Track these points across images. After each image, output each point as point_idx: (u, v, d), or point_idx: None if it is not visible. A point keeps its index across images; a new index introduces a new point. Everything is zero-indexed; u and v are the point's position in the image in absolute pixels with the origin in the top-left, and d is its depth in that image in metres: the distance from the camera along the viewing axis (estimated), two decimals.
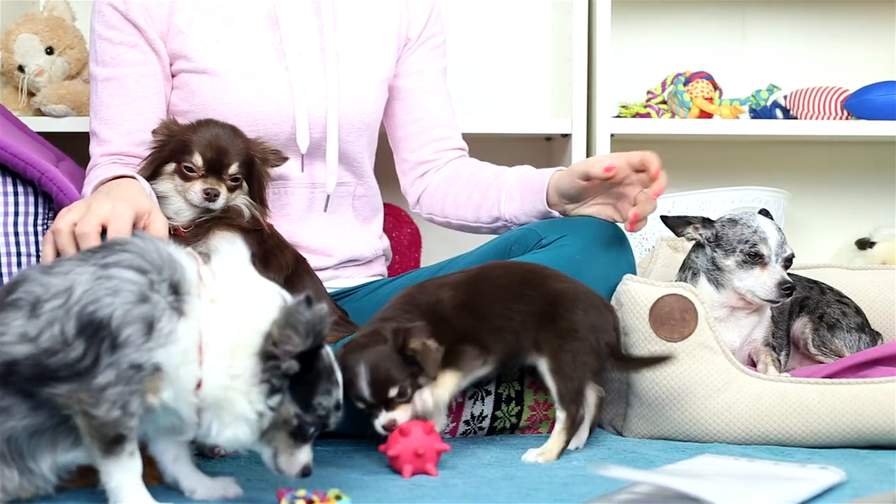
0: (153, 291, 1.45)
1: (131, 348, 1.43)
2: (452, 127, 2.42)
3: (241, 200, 2.09)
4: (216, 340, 1.47)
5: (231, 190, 2.07)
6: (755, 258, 2.13)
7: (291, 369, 1.47)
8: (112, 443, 1.46)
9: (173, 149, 2.07)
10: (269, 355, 1.47)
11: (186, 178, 2.05)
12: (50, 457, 1.50)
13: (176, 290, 1.47)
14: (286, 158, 2.17)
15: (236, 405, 1.47)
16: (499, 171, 2.31)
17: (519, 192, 2.21)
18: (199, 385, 1.47)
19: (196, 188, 2.04)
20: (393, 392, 1.72)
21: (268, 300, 1.50)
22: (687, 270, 2.24)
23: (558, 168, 2.18)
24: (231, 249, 1.55)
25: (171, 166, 2.07)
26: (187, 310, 1.46)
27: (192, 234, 2.04)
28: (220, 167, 2.06)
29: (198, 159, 2.05)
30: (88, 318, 1.43)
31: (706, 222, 2.20)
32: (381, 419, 1.73)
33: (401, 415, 1.73)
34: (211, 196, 2.03)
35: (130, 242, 1.50)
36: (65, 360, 1.43)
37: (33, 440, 1.49)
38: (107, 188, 1.91)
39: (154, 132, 2.11)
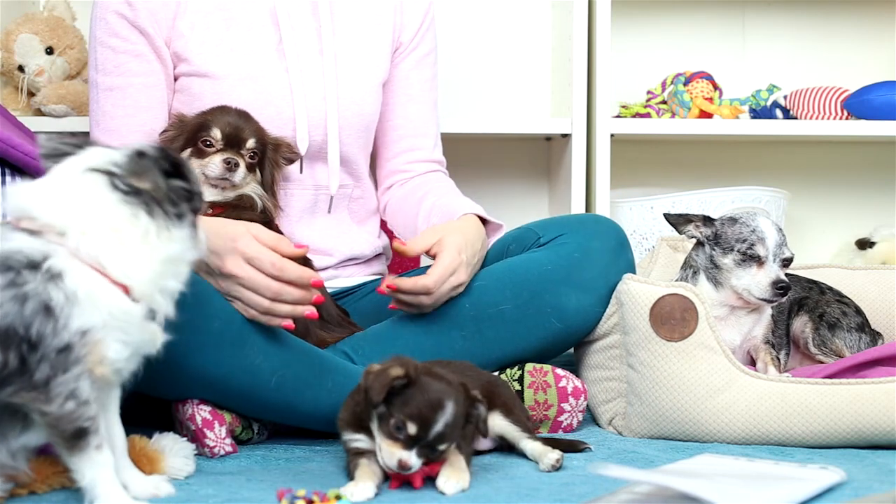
0: (22, 285, 1.44)
1: (48, 338, 1.43)
2: (430, 138, 2.40)
3: (252, 189, 2.09)
4: (105, 256, 1.47)
5: (249, 168, 2.07)
6: (752, 257, 2.13)
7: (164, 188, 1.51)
8: (74, 438, 1.46)
9: (188, 135, 2.07)
10: (151, 199, 1.50)
11: (205, 154, 2.05)
12: (3, 446, 1.50)
13: (35, 266, 1.45)
14: (299, 154, 2.18)
15: (172, 251, 1.52)
16: (423, 196, 2.28)
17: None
18: (129, 294, 1.49)
19: (216, 160, 2.04)
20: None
21: (90, 183, 1.50)
22: (688, 269, 2.24)
23: (468, 213, 2.15)
24: (31, 189, 1.53)
25: (186, 153, 2.06)
26: (58, 268, 1.45)
27: None
28: (238, 141, 2.07)
29: (216, 133, 2.05)
30: None
31: (706, 220, 2.20)
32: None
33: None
34: (231, 165, 2.03)
35: None
36: None
37: None
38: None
39: (165, 130, 2.11)
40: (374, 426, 1.65)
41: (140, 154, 1.51)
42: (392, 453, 1.61)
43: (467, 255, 2.03)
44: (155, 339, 1.54)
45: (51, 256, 1.46)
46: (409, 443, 1.61)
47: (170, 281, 1.54)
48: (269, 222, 2.08)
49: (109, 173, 1.50)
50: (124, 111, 2.16)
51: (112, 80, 2.17)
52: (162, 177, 1.51)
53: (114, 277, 1.48)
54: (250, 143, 2.08)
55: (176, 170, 1.53)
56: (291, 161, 2.18)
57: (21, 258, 1.45)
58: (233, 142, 2.07)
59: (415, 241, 2.04)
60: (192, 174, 1.55)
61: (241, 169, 2.05)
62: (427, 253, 2.03)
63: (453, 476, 1.65)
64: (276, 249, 1.85)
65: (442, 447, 1.64)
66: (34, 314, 1.43)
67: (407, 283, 1.99)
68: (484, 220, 2.18)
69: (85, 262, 1.47)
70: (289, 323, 1.87)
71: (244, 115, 2.11)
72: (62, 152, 1.55)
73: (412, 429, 1.60)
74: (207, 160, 2.05)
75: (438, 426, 1.60)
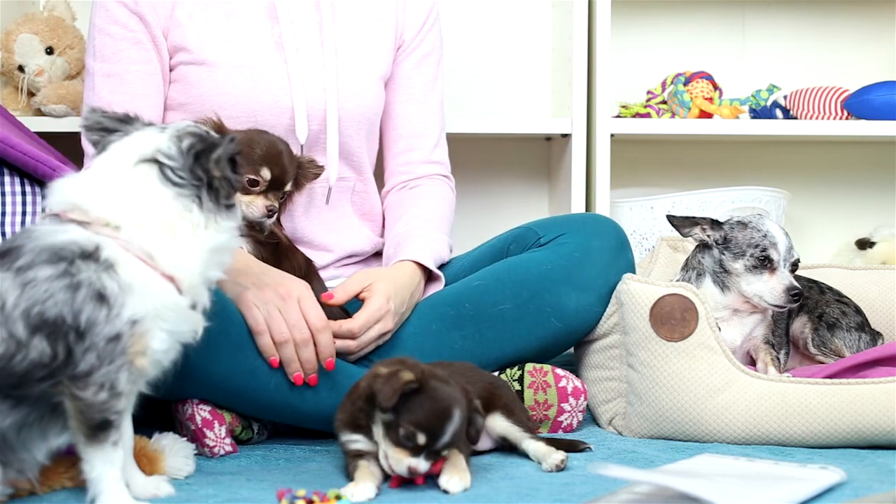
0: (76, 274, 1.46)
1: (99, 325, 1.45)
2: (429, 139, 2.37)
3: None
4: (157, 250, 1.50)
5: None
6: (765, 263, 2.12)
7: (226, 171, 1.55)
8: (97, 428, 1.47)
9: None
10: (209, 183, 1.53)
11: (247, 192, 2.00)
12: (43, 445, 1.51)
13: (89, 256, 1.47)
14: (322, 168, 2.16)
15: (219, 241, 1.55)
16: (401, 215, 2.28)
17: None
18: (177, 286, 1.51)
19: (259, 203, 2.01)
20: None
21: (143, 177, 1.53)
22: (691, 271, 2.23)
23: (407, 259, 2.13)
24: (81, 183, 1.57)
25: None
26: (112, 258, 1.48)
27: None
28: (280, 184, 2.04)
29: (266, 173, 2.02)
30: (40, 320, 1.44)
31: (714, 224, 2.19)
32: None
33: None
34: (271, 213, 2.02)
35: (22, 245, 1.49)
36: (31, 360, 1.44)
37: (23, 434, 1.49)
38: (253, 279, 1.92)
39: None
40: (379, 432, 1.64)
41: (202, 140, 1.54)
42: (400, 460, 1.61)
43: (395, 304, 2.02)
44: (196, 327, 1.57)
45: (104, 247, 1.48)
46: (416, 451, 1.61)
47: (214, 271, 1.57)
48: (276, 244, 2.08)
49: (161, 163, 1.52)
50: (122, 97, 2.16)
51: (110, 66, 2.17)
52: (229, 166, 1.55)
53: (164, 270, 1.51)
54: (288, 186, 2.06)
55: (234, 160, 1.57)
56: (317, 175, 2.15)
57: (75, 248, 1.47)
58: (276, 185, 2.04)
59: (342, 288, 2.03)
60: (240, 161, 1.59)
61: (275, 215, 2.04)
62: (357, 297, 2.02)
63: (456, 475, 1.65)
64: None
65: (446, 452, 1.64)
66: (85, 302, 1.45)
67: (341, 297, 2.00)
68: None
69: (135, 254, 1.49)
70: (299, 374, 1.89)
71: (288, 150, 2.07)
72: (104, 127, 1.58)
73: (421, 439, 1.60)
74: (250, 200, 2.00)
75: (447, 436, 1.61)
